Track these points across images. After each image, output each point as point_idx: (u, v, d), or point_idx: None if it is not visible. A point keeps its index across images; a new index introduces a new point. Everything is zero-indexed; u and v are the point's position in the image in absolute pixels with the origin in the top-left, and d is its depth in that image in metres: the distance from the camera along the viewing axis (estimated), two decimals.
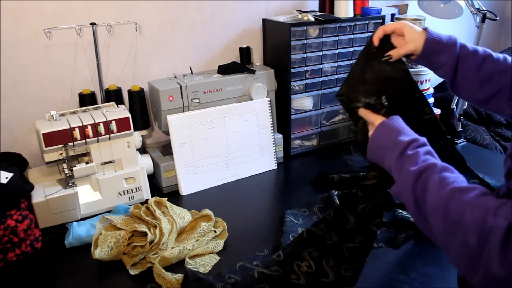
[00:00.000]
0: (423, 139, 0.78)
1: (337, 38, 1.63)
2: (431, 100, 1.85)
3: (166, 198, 1.23)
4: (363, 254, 0.94)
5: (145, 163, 1.38)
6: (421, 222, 0.69)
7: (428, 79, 1.78)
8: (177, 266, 1.07)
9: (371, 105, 0.89)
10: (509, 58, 0.85)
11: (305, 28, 1.55)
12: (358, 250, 0.93)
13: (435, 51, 0.88)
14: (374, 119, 0.86)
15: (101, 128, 1.24)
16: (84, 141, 1.23)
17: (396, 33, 0.94)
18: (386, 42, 0.94)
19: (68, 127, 1.20)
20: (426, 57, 0.89)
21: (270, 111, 1.56)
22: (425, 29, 0.90)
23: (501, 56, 0.85)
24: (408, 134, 0.79)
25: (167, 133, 1.44)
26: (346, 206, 0.94)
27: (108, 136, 1.26)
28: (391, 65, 0.92)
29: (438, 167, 0.69)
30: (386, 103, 0.88)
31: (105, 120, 1.25)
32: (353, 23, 1.65)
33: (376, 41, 0.94)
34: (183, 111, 1.44)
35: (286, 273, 0.96)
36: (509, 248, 0.53)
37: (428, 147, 0.76)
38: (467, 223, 0.58)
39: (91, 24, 1.40)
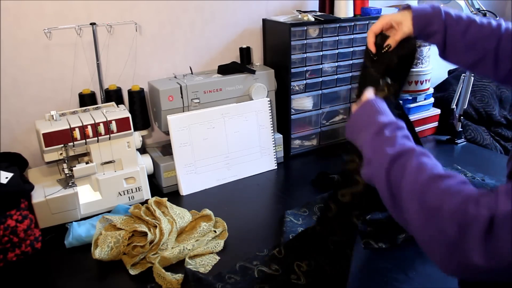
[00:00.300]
0: (402, 123, 0.76)
1: (337, 38, 1.63)
2: (431, 100, 1.86)
3: (166, 198, 1.23)
4: (347, 246, 0.93)
5: (145, 163, 1.38)
6: (392, 207, 0.67)
7: (428, 79, 1.78)
8: (177, 266, 1.07)
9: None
10: (493, 22, 0.85)
11: (305, 28, 1.55)
12: (341, 243, 0.93)
13: (425, 23, 0.89)
14: (364, 96, 0.85)
15: (101, 128, 1.24)
16: (84, 141, 1.23)
17: (385, 28, 0.95)
18: (381, 39, 0.95)
19: (68, 127, 1.20)
20: (419, 31, 0.90)
21: (270, 111, 1.56)
22: (408, 7, 0.91)
23: (485, 21, 0.86)
24: (388, 116, 0.78)
25: (167, 133, 1.44)
26: (331, 194, 0.94)
27: (108, 136, 1.26)
28: (395, 50, 0.93)
29: (417, 152, 0.67)
30: (386, 88, 0.89)
31: (105, 120, 1.25)
32: (353, 23, 1.65)
33: (372, 48, 0.95)
34: (183, 111, 1.44)
35: (286, 273, 0.96)
36: (491, 239, 0.52)
37: (406, 131, 0.74)
38: (446, 210, 0.57)
39: (91, 24, 1.40)
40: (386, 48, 0.93)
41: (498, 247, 0.51)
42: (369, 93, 0.85)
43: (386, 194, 0.67)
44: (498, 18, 0.88)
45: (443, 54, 0.91)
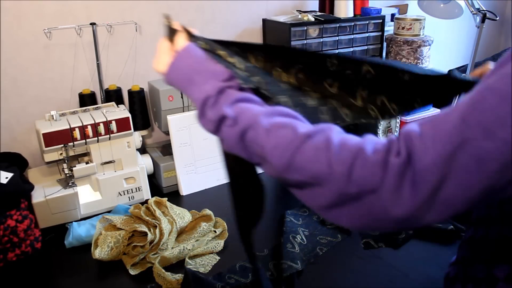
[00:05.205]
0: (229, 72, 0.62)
1: (337, 38, 1.63)
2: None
3: (166, 198, 1.23)
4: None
5: (145, 163, 1.38)
6: (274, 176, 0.56)
7: None
8: (177, 266, 1.07)
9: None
10: None
11: (305, 28, 1.55)
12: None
13: None
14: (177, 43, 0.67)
15: (101, 128, 1.24)
16: (84, 141, 1.23)
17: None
18: None
19: (68, 127, 1.20)
20: None
21: None
22: None
23: None
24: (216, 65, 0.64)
25: (167, 133, 1.44)
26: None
27: (108, 136, 1.26)
28: None
29: (263, 115, 0.56)
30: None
31: (105, 120, 1.25)
32: (353, 23, 1.65)
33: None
34: (183, 111, 1.44)
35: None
36: (404, 186, 0.46)
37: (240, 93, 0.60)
38: (338, 179, 0.48)
39: (91, 24, 1.40)
40: None
41: (418, 197, 0.45)
42: (182, 40, 0.67)
43: (249, 158, 0.58)
44: None
45: None
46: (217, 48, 0.66)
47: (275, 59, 0.73)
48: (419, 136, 0.47)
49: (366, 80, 0.76)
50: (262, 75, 0.68)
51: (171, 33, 0.67)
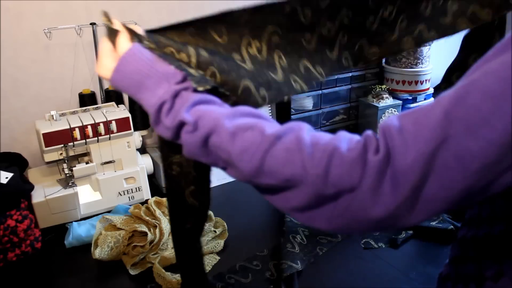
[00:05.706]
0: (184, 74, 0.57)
1: None
2: (431, 100, 1.86)
3: (166, 198, 1.23)
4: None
5: (145, 163, 1.38)
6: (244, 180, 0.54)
7: (428, 79, 1.78)
8: (177, 266, 1.07)
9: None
10: None
11: None
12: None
13: None
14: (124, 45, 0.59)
15: (101, 128, 1.24)
16: (84, 141, 1.23)
17: None
18: None
19: (68, 127, 1.20)
20: None
21: (270, 111, 1.56)
22: None
23: None
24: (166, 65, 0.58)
25: None
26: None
27: (108, 136, 1.26)
28: None
29: (230, 113, 0.52)
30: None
31: (105, 120, 1.25)
32: None
33: None
34: None
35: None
36: (383, 184, 0.44)
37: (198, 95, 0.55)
38: (313, 182, 0.46)
39: (91, 24, 1.40)
40: None
41: (398, 195, 0.43)
42: (124, 41, 0.59)
43: (231, 173, 0.55)
44: None
45: None
46: (165, 45, 0.60)
47: (243, 26, 0.67)
48: (399, 132, 0.45)
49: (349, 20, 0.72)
50: (220, 60, 0.62)
51: (112, 33, 0.60)
